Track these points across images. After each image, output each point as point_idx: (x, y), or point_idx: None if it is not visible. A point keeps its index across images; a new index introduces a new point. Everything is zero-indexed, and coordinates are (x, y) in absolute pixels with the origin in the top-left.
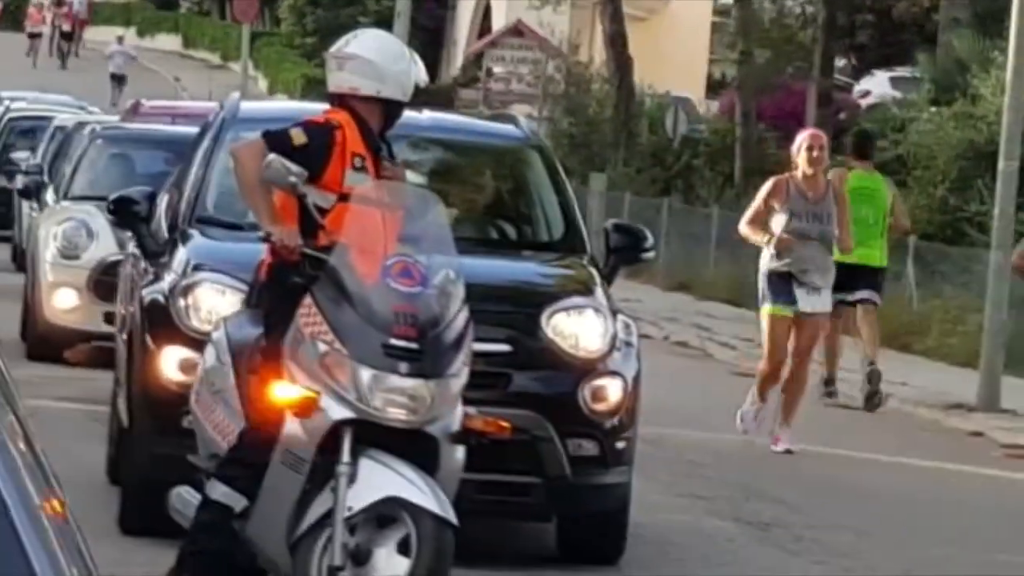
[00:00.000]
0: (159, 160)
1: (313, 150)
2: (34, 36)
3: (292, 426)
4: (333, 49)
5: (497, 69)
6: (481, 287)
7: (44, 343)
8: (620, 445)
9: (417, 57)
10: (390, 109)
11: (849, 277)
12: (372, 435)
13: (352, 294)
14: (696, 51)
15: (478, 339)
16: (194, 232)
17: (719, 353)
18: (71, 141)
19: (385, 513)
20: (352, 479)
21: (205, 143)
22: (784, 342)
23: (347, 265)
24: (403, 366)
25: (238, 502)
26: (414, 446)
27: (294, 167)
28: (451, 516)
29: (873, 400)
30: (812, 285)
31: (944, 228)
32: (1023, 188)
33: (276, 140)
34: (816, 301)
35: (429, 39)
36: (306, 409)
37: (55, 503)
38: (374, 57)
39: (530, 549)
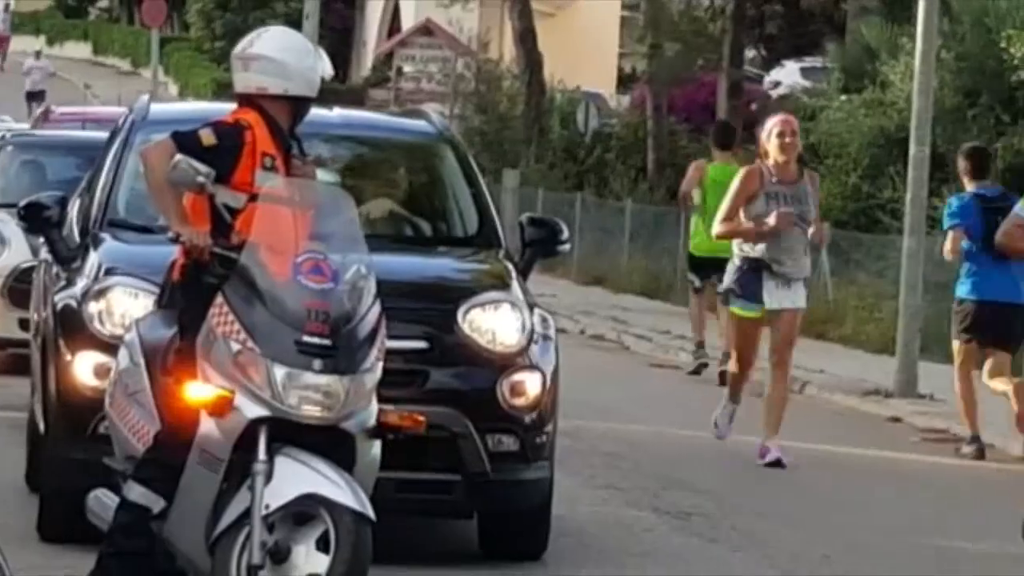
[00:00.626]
0: (71, 166)
1: (223, 151)
2: None
3: (207, 426)
4: (237, 50)
5: (407, 68)
6: (396, 284)
7: None
8: (540, 440)
9: (322, 51)
10: (298, 106)
11: (703, 266)
12: (288, 433)
13: (263, 292)
14: (606, 46)
15: (394, 336)
16: (105, 236)
17: (635, 345)
18: None
19: (303, 510)
20: (269, 477)
21: (115, 146)
22: (752, 343)
23: (258, 263)
24: (316, 363)
25: (156, 503)
26: (330, 443)
27: (202, 167)
28: (369, 511)
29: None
30: (784, 277)
31: (857, 215)
32: (934, 174)
33: (185, 141)
34: (785, 296)
35: (338, 40)
36: (221, 408)
37: None
38: (279, 55)
39: (452, 547)
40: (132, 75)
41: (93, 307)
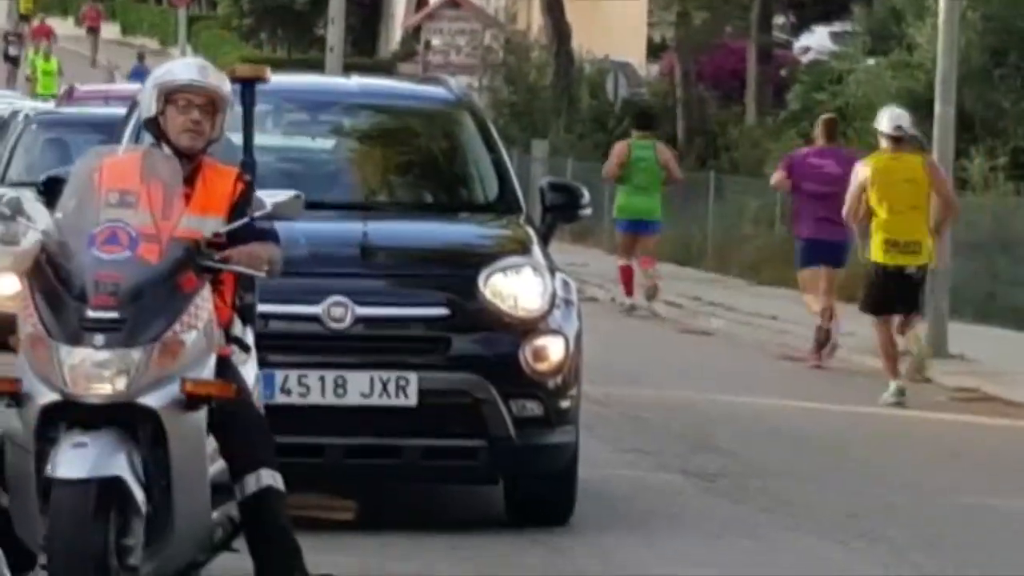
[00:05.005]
0: (94, 142)
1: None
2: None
3: (11, 416)
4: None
5: (435, 41)
6: (416, 251)
7: None
8: (564, 404)
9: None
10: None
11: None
12: (83, 414)
13: (60, 269)
14: (634, 15)
15: (416, 303)
16: None
17: (666, 312)
18: (6, 128)
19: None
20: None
21: (132, 120)
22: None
23: (58, 241)
24: (99, 338)
25: (3, 496)
26: (130, 421)
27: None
28: (85, 474)
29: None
30: None
31: None
32: (962, 134)
33: None
34: None
35: (366, 15)
36: (15, 397)
37: None
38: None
39: (479, 512)
40: (161, 54)
41: None
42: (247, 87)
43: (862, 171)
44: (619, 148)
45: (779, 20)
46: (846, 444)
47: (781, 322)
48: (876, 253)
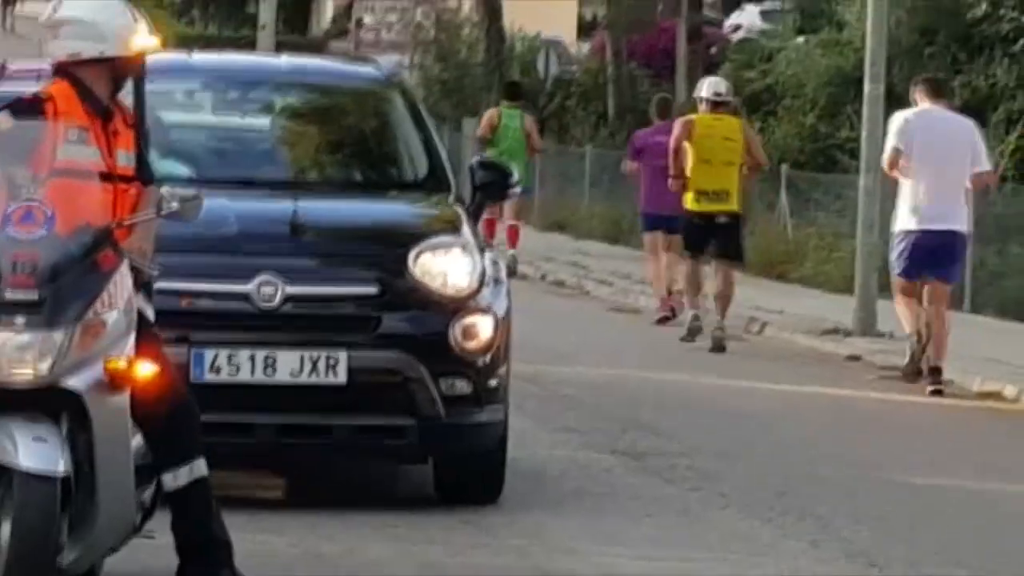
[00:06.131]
0: None
1: (26, 132)
2: None
3: None
4: (43, 17)
5: (367, 19)
6: (346, 229)
7: None
8: (493, 383)
9: (136, 11)
10: (117, 69)
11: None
12: (6, 399)
13: None
14: None
15: (345, 281)
16: None
17: (596, 290)
18: None
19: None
20: (21, 456)
21: None
22: None
23: None
24: (19, 320)
25: None
26: (53, 404)
27: None
28: (53, 469)
29: None
30: None
31: (815, 156)
32: (891, 112)
33: None
34: None
35: None
36: None
37: None
38: (91, 16)
39: (408, 491)
40: None
41: None
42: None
43: (680, 126)
44: (490, 113)
45: None
46: (776, 422)
47: (710, 300)
48: (690, 202)
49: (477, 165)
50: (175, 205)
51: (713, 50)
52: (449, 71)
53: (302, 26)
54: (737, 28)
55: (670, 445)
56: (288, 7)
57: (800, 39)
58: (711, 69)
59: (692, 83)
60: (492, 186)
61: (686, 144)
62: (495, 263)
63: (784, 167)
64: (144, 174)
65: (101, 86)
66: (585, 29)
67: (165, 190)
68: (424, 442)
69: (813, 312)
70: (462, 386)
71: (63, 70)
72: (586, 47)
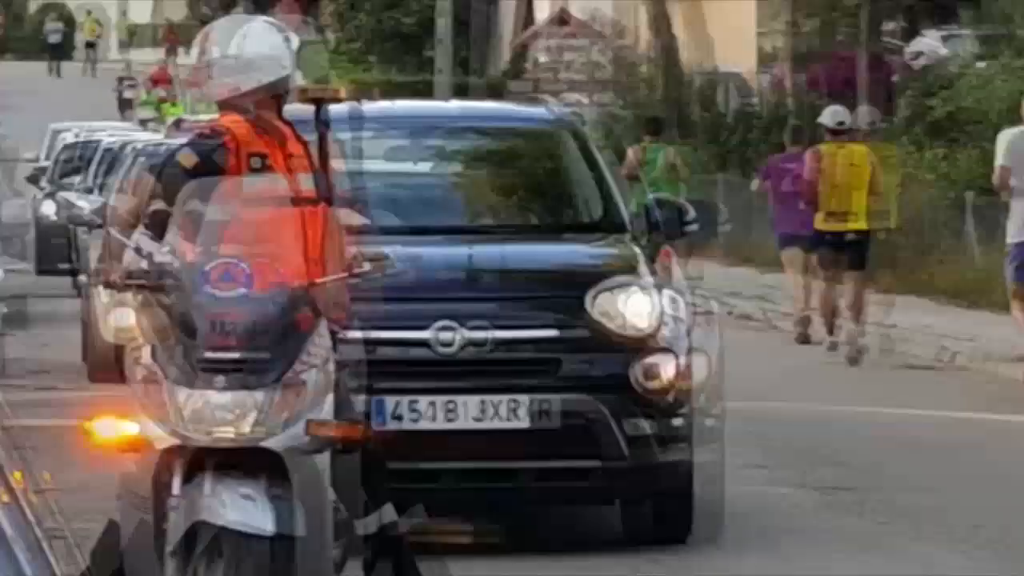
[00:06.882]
0: None
1: (210, 166)
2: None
3: (127, 463)
4: (192, 62)
5: (544, 59)
6: (523, 272)
7: (104, 364)
8: (677, 422)
9: (279, 24)
10: (278, 90)
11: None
12: (206, 459)
13: (171, 309)
14: (743, 25)
15: (524, 325)
16: None
17: (783, 324)
18: (117, 162)
19: (201, 540)
20: (179, 510)
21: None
22: None
23: (174, 279)
24: (220, 380)
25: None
26: (252, 464)
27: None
28: (265, 529)
29: None
30: None
31: None
32: None
33: (166, 170)
34: None
35: (474, 35)
36: (131, 445)
37: None
38: (238, 51)
39: (596, 533)
40: None
41: None
42: (320, 107)
43: (811, 157)
44: (634, 150)
45: (890, 26)
46: (967, 452)
47: (901, 330)
48: (820, 222)
49: (653, 203)
50: (367, 266)
51: (894, 78)
52: (628, 108)
53: (479, 68)
54: (918, 55)
55: (860, 478)
56: (465, 50)
57: (981, 64)
58: (892, 97)
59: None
60: (669, 225)
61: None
62: (674, 301)
63: (969, 194)
64: (325, 193)
65: (267, 112)
66: (764, 61)
67: (356, 250)
68: (609, 483)
69: (1006, 339)
70: (646, 426)
71: (228, 105)
72: (766, 79)
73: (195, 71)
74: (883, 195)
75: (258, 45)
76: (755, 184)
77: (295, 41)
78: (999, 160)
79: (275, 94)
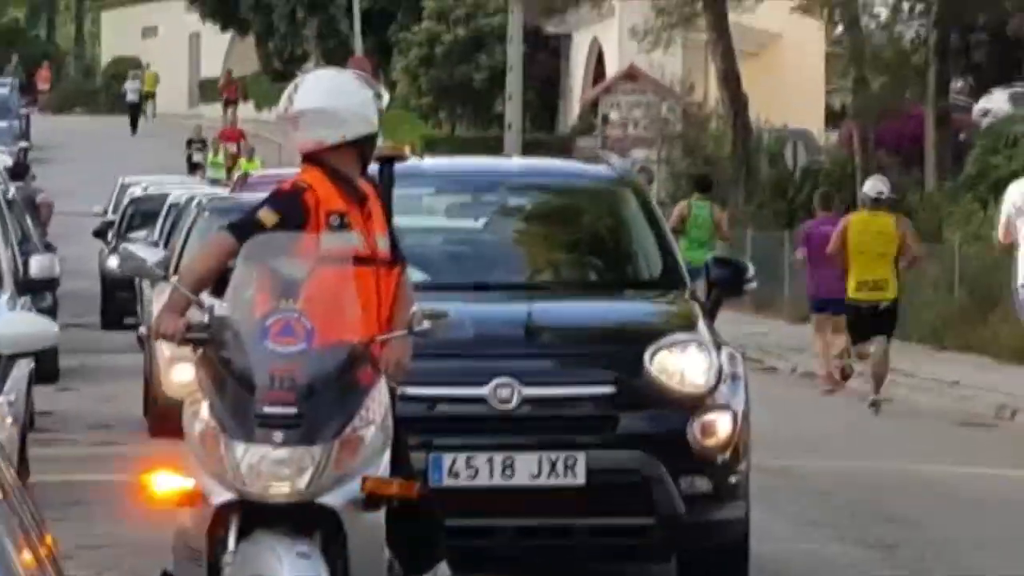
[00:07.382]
0: None
1: (291, 224)
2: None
3: (183, 516)
4: (280, 110)
5: (613, 115)
6: (581, 329)
7: (165, 419)
8: (733, 479)
9: (370, 79)
10: (363, 147)
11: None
12: (262, 514)
13: (230, 362)
14: (811, 83)
15: (582, 382)
16: None
17: (849, 382)
18: (182, 215)
19: None
20: (235, 566)
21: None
22: None
23: (231, 332)
24: (277, 435)
25: None
26: (308, 520)
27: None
28: None
29: None
30: None
31: None
32: None
33: (245, 228)
34: None
35: (544, 90)
36: (188, 499)
37: None
38: (327, 103)
39: None
40: None
41: None
42: (385, 165)
43: (843, 222)
44: (681, 205)
45: (958, 84)
46: None
47: (962, 387)
48: (852, 291)
49: (712, 262)
50: (427, 324)
51: (962, 136)
52: (696, 165)
53: (549, 124)
54: (986, 113)
55: (921, 535)
56: (534, 106)
57: None
58: (960, 155)
59: (941, 169)
60: (727, 282)
61: (841, 244)
62: (732, 358)
63: None
64: (397, 254)
65: (350, 169)
66: (832, 118)
67: (416, 308)
68: (665, 541)
69: None
70: (702, 484)
71: (311, 158)
72: (834, 136)
73: (282, 120)
74: (918, 260)
75: (347, 100)
76: (799, 255)
77: (385, 99)
78: (1004, 212)
79: (360, 152)
